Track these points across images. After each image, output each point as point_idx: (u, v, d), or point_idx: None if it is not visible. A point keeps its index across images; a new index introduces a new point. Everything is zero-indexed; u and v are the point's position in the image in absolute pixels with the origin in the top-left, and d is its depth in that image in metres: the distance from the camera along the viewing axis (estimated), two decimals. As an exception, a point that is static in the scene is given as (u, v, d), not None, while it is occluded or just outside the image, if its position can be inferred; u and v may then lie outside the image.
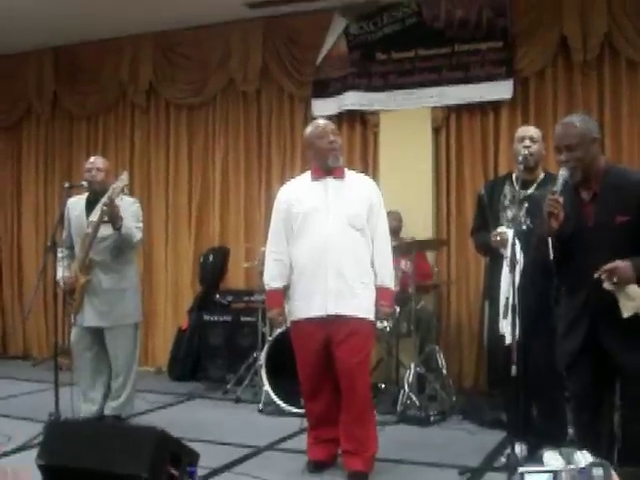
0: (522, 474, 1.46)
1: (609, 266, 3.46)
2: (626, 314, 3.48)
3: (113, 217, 5.31)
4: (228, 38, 8.22)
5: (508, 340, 4.38)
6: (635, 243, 3.53)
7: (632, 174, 3.77)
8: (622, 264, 3.45)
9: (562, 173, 3.62)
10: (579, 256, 3.63)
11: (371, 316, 4.60)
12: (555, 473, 1.47)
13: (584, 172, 3.61)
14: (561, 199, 3.54)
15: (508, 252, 4.42)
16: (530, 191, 4.84)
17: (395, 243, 6.23)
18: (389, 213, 6.61)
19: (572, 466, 1.47)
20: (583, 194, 3.68)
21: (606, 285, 3.48)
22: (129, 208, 5.59)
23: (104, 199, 5.33)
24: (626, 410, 3.72)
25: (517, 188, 4.88)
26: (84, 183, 5.63)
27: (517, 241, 4.33)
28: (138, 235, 5.59)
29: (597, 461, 1.45)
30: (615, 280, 3.45)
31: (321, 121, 4.84)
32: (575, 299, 3.72)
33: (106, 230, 5.42)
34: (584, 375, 3.73)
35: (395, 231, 6.71)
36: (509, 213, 4.95)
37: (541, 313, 4.63)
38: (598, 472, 1.46)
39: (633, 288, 3.46)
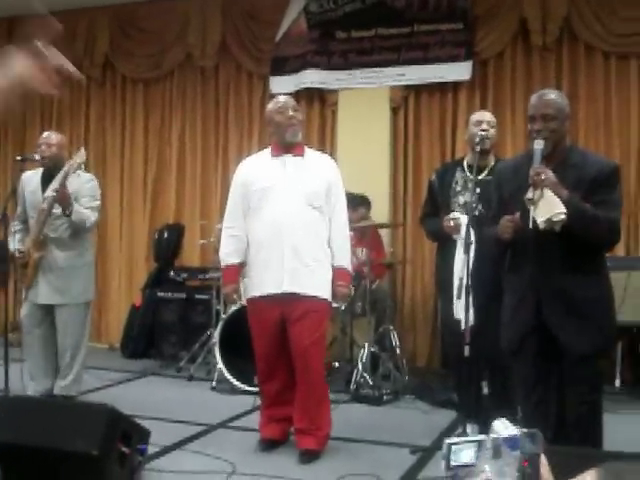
0: (449, 445, 1.46)
1: (541, 166, 3.51)
2: (540, 219, 3.48)
3: (63, 203, 5.24)
4: (186, 12, 8.12)
5: (460, 318, 4.39)
6: None
7: (591, 155, 3.86)
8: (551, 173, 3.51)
9: (537, 146, 3.60)
10: (527, 232, 3.64)
11: (327, 295, 4.59)
12: (479, 443, 1.47)
13: (554, 146, 3.63)
14: (544, 169, 3.54)
15: (462, 233, 4.44)
16: (482, 176, 4.85)
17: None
18: (359, 197, 6.66)
19: (495, 435, 1.47)
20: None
21: (528, 194, 3.48)
22: (85, 185, 5.51)
23: (59, 176, 5.24)
24: (570, 391, 3.76)
25: (469, 175, 4.90)
26: (36, 156, 5.53)
27: (471, 228, 4.35)
28: (92, 217, 5.48)
29: (528, 431, 1.44)
30: (542, 177, 3.46)
31: (282, 97, 4.82)
32: (520, 277, 3.76)
33: (62, 208, 5.34)
34: (531, 358, 3.76)
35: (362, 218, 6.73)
36: (461, 199, 4.96)
37: (494, 293, 4.66)
38: (526, 441, 1.46)
39: (551, 194, 3.47)
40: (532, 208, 3.51)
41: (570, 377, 3.75)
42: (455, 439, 1.45)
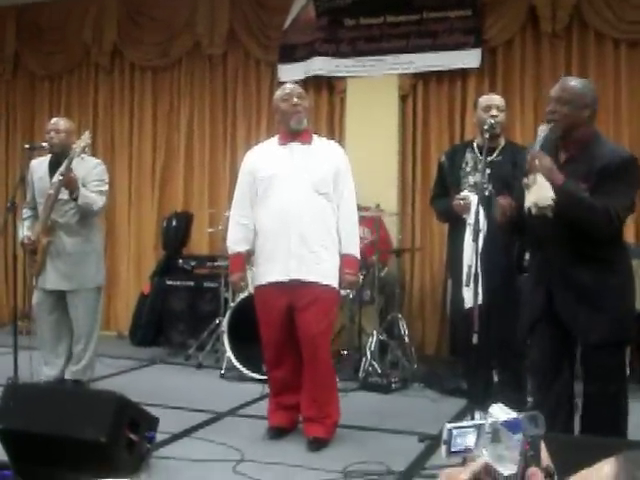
0: (450, 430, 1.46)
1: (538, 152, 3.54)
2: (527, 204, 3.54)
3: (69, 187, 5.24)
4: (194, 0, 8.10)
5: (468, 305, 4.37)
6: None
7: (609, 145, 3.73)
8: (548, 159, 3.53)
9: (542, 130, 3.61)
10: (536, 218, 3.64)
11: (335, 283, 4.58)
12: (478, 427, 1.47)
13: (564, 131, 3.60)
14: (540, 154, 3.54)
15: (472, 219, 4.43)
16: (492, 157, 4.86)
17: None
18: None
19: (493, 419, 1.47)
20: (561, 156, 3.67)
21: (524, 179, 3.53)
22: (92, 170, 5.51)
23: (65, 162, 5.25)
24: (587, 383, 3.74)
25: (480, 156, 4.90)
26: (44, 144, 5.54)
27: (481, 208, 4.33)
28: (100, 202, 5.47)
29: (530, 413, 1.44)
30: (536, 163, 3.48)
31: (289, 85, 4.83)
32: (534, 262, 3.77)
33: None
34: (544, 344, 3.75)
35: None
36: (471, 179, 4.98)
37: (504, 280, 4.65)
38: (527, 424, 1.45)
39: (542, 179, 3.49)
40: (527, 193, 3.53)
41: (586, 369, 3.73)
42: (455, 424, 1.45)
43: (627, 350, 6.05)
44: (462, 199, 4.82)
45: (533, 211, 3.52)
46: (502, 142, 5.02)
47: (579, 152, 3.60)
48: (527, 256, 4.81)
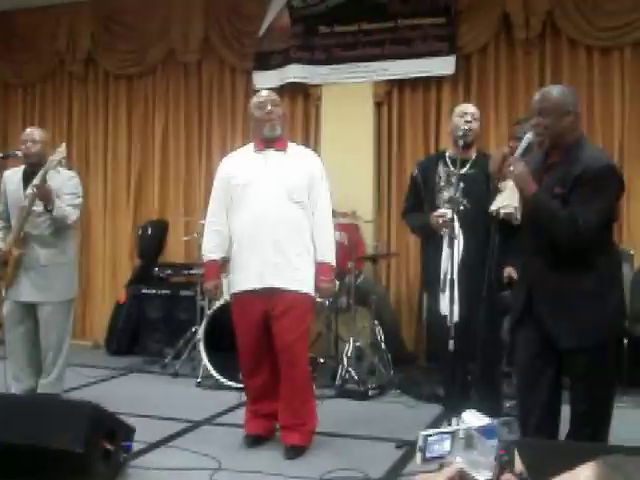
0: (425, 437, 1.47)
1: (515, 158, 3.59)
2: (492, 207, 3.69)
3: (44, 199, 5.20)
4: (169, 7, 8.09)
5: (445, 312, 4.37)
6: None
7: (588, 152, 3.66)
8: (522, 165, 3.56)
9: (527, 136, 3.63)
10: (524, 220, 3.69)
11: (310, 290, 4.58)
12: (452, 434, 1.48)
13: (552, 141, 3.60)
14: (522, 161, 3.59)
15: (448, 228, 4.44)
16: (465, 170, 4.85)
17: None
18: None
19: (467, 426, 1.48)
20: (549, 160, 3.69)
21: (498, 184, 3.67)
22: (67, 183, 5.46)
23: (40, 173, 5.20)
24: (571, 387, 3.75)
25: (452, 168, 4.90)
26: (18, 153, 5.48)
27: (456, 217, 4.34)
28: (73, 215, 5.42)
29: (504, 419, 1.45)
30: (511, 169, 3.54)
31: (264, 92, 4.83)
32: (520, 264, 3.81)
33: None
34: (528, 345, 3.75)
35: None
36: (445, 194, 4.93)
37: (484, 295, 4.66)
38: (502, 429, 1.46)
39: (511, 185, 3.57)
40: (498, 195, 3.66)
41: (567, 372, 3.73)
42: (430, 431, 1.46)
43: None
44: (439, 216, 4.78)
45: (501, 215, 3.62)
46: (474, 154, 5.01)
47: (563, 157, 3.61)
48: (505, 273, 4.85)
